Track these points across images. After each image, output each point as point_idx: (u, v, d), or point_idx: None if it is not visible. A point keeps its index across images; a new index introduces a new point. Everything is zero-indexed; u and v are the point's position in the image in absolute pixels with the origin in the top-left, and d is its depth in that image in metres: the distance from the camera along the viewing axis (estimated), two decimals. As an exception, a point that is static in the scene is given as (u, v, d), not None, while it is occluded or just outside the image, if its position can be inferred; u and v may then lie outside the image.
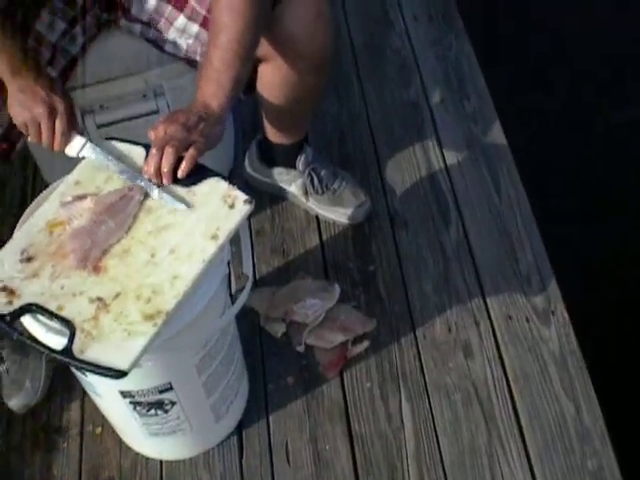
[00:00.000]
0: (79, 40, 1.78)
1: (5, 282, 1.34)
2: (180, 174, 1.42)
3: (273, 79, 1.77)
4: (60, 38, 1.74)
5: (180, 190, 1.43)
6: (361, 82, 2.53)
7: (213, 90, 1.50)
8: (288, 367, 1.90)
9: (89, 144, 1.50)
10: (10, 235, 2.13)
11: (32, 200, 2.22)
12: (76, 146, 1.51)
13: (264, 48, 1.67)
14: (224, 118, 1.52)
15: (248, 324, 1.90)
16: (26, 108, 1.49)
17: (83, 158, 1.50)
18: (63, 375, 1.88)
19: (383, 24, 2.72)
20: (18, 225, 1.46)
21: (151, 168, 1.41)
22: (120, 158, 1.49)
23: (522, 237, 2.11)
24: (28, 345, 1.79)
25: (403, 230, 2.15)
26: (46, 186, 2.12)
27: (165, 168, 1.41)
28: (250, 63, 1.59)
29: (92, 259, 1.35)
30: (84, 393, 1.82)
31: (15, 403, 1.85)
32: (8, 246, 1.41)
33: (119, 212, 1.41)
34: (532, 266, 2.05)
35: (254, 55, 1.60)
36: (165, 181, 1.42)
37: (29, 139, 1.53)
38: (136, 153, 1.49)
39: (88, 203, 1.43)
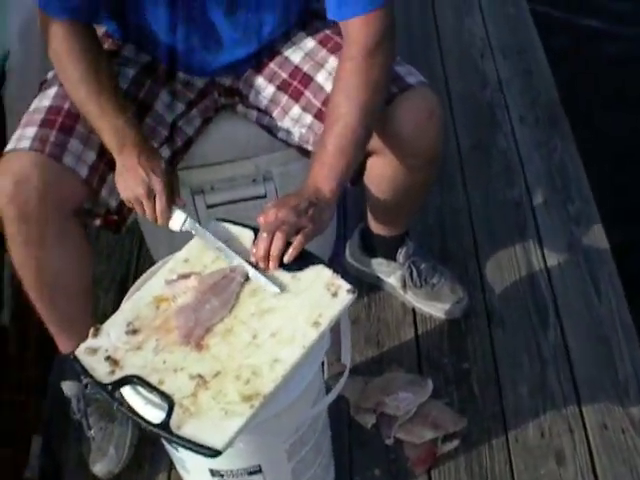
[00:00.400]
0: (195, 122, 1.84)
1: (110, 352, 1.38)
2: (286, 259, 1.44)
3: (381, 173, 1.80)
4: (177, 119, 1.81)
5: (285, 274, 1.45)
6: (465, 179, 2.55)
7: (325, 175, 1.53)
8: (376, 459, 1.88)
9: (189, 220, 1.54)
10: (113, 305, 2.22)
11: (137, 272, 2.33)
12: (178, 221, 1.55)
13: (375, 142, 1.69)
14: (334, 204, 1.55)
15: (337, 412, 1.89)
16: (129, 187, 1.56)
17: (189, 233, 1.54)
18: (149, 445, 1.91)
19: (490, 124, 2.75)
20: (126, 297, 1.50)
21: (260, 252, 1.44)
22: (228, 239, 1.52)
23: (622, 345, 2.06)
24: (114, 412, 1.85)
25: (500, 329, 2.12)
26: (151, 259, 2.23)
27: (274, 253, 1.43)
28: (362, 152, 1.63)
29: (195, 336, 1.37)
30: (171, 466, 1.84)
31: (99, 469, 1.87)
32: (115, 317, 1.44)
33: (222, 291, 1.43)
34: (631, 376, 2.00)
35: (366, 145, 1.64)
36: (272, 265, 1.44)
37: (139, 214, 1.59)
38: (244, 235, 1.52)
39: (192, 282, 1.46)
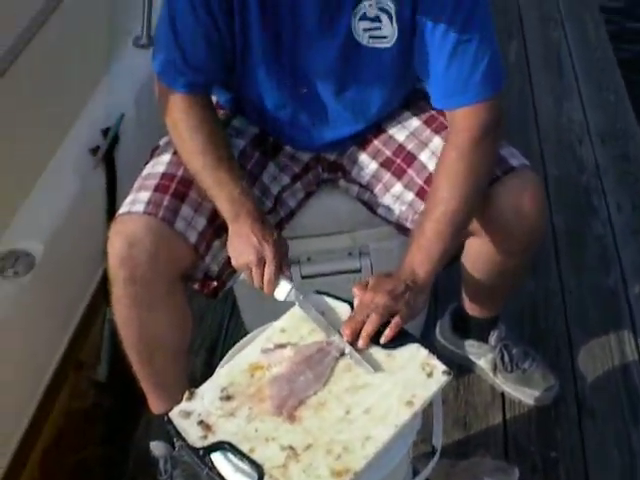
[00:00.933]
0: (298, 195, 1.88)
1: (203, 417, 1.38)
2: (382, 340, 1.45)
3: (479, 254, 1.79)
4: (282, 191, 1.84)
5: (380, 352, 1.45)
6: (559, 264, 2.52)
7: (422, 259, 1.54)
8: None
9: (294, 291, 1.55)
10: (203, 368, 2.24)
11: (227, 337, 2.35)
12: (283, 291, 1.56)
13: (475, 223, 1.70)
14: (429, 288, 1.56)
15: (421, 494, 1.86)
16: (240, 253, 1.58)
17: (291, 303, 1.55)
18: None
19: (586, 210, 2.74)
20: (222, 363, 1.51)
21: (351, 330, 1.45)
22: (325, 311, 1.53)
23: None
24: (201, 476, 1.84)
25: (590, 419, 2.07)
26: (242, 325, 2.25)
27: (365, 333, 1.44)
28: (460, 238, 1.64)
29: (288, 407, 1.37)
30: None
31: (183, 534, 1.86)
32: (210, 382, 1.45)
33: (317, 364, 1.43)
34: None
35: (464, 232, 1.64)
36: (362, 344, 1.45)
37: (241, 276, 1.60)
38: (341, 309, 1.53)
39: (288, 352, 1.46)
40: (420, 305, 1.53)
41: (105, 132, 2.43)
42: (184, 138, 1.66)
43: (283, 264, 1.58)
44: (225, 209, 1.62)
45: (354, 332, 1.45)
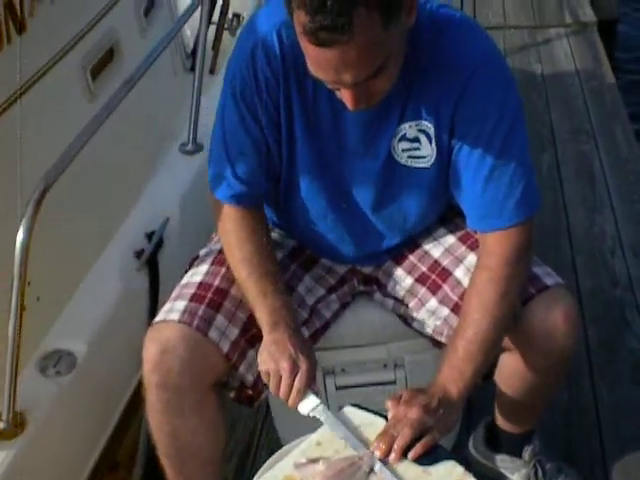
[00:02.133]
0: (333, 306, 1.91)
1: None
2: (411, 455, 1.46)
3: (513, 370, 1.81)
4: (317, 302, 1.88)
5: (415, 468, 1.45)
6: (593, 377, 2.52)
7: (454, 377, 1.57)
8: None
9: (322, 406, 1.57)
10: (234, 475, 2.24)
11: (259, 444, 2.36)
12: (309, 405, 1.57)
13: (510, 340, 1.72)
14: (461, 406, 1.58)
15: None
16: (273, 360, 1.60)
17: (314, 417, 1.56)
18: None
19: (619, 323, 2.74)
20: (258, 474, 1.53)
21: (383, 444, 1.46)
22: (360, 425, 1.54)
23: None
24: None
25: (625, 538, 2.05)
26: (275, 434, 2.26)
27: (397, 447, 1.46)
28: (491, 358, 1.67)
29: None
30: None
31: None
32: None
33: (349, 477, 1.44)
34: None
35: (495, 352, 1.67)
36: (394, 458, 1.46)
37: (270, 389, 1.62)
38: (376, 423, 1.54)
39: (320, 467, 1.47)
40: (452, 422, 1.55)
41: (150, 236, 2.49)
42: (233, 247, 1.72)
43: (313, 379, 1.61)
44: (265, 318, 1.66)
45: (387, 446, 1.46)
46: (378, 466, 1.45)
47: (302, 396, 1.58)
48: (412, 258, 1.88)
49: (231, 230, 1.72)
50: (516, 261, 1.64)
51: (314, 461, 1.49)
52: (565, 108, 4.26)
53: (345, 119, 1.64)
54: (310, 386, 1.59)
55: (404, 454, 1.46)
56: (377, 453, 1.47)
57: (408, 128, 1.64)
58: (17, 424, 1.88)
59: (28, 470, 1.87)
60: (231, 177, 1.70)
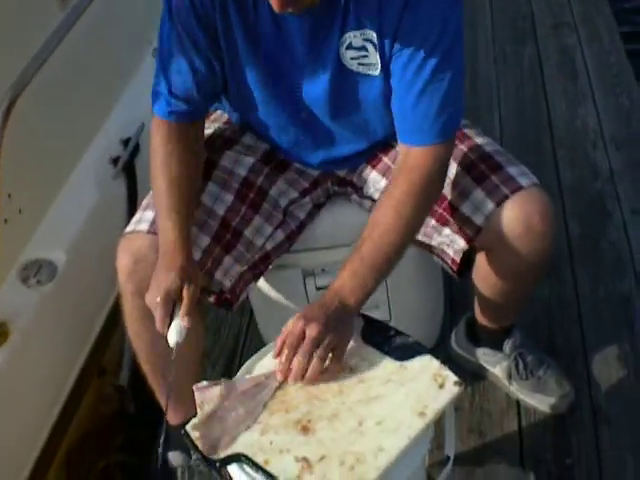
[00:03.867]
0: (307, 207, 1.91)
1: (218, 429, 1.42)
2: (305, 381, 1.46)
3: (489, 271, 1.81)
4: (290, 204, 1.87)
5: (391, 363, 1.48)
6: (574, 271, 2.53)
7: (354, 287, 1.54)
8: None
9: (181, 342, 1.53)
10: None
11: (244, 347, 2.38)
12: (172, 337, 1.52)
13: (485, 240, 1.73)
14: (356, 314, 1.55)
15: (437, 502, 1.89)
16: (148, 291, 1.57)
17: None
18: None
19: (600, 215, 2.74)
20: (237, 375, 1.54)
21: (296, 374, 1.46)
22: None
23: None
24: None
25: (605, 426, 2.08)
26: (259, 335, 2.28)
27: (310, 377, 1.46)
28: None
29: (223, 445, 1.39)
30: None
31: None
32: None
33: (250, 399, 1.45)
34: None
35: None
36: (304, 383, 1.46)
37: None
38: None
39: (219, 390, 1.47)
40: (349, 333, 1.52)
41: (126, 142, 2.47)
42: (157, 168, 1.68)
43: (183, 310, 1.53)
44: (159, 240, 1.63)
45: (298, 373, 1.46)
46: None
47: (164, 329, 1.53)
48: (386, 160, 1.86)
49: (158, 144, 1.69)
50: (437, 176, 1.64)
51: (215, 384, 1.48)
52: (546, 1, 4.18)
53: (289, 33, 1.61)
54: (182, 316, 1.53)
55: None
56: (279, 379, 1.47)
57: (353, 37, 1.60)
58: (0, 334, 1.89)
59: (13, 379, 1.90)
60: (167, 94, 1.68)
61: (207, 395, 1.47)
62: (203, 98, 1.71)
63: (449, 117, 1.61)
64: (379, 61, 1.62)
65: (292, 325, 1.48)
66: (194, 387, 1.48)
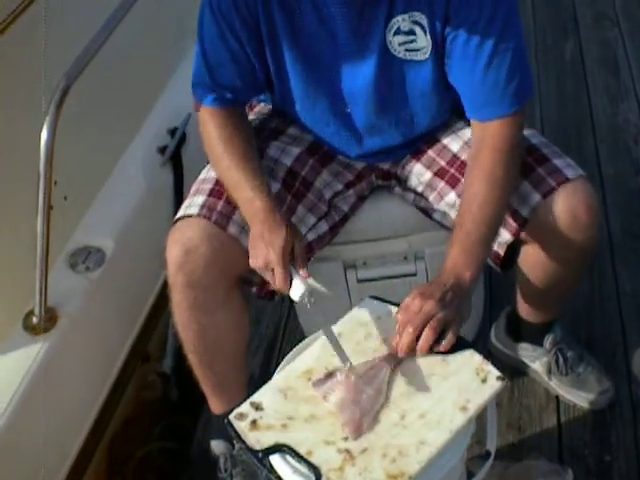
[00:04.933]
0: (351, 200, 1.92)
1: (262, 420, 1.43)
2: (418, 352, 1.48)
3: (535, 261, 1.82)
4: (334, 196, 1.89)
5: (434, 357, 1.48)
6: (615, 266, 2.53)
7: (467, 262, 1.57)
8: None
9: (308, 294, 1.54)
10: (260, 368, 2.30)
11: (284, 337, 2.41)
12: (297, 292, 1.55)
13: (532, 232, 1.73)
14: (473, 291, 1.58)
15: (475, 495, 1.90)
16: (253, 257, 1.60)
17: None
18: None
19: (642, 214, 2.73)
20: (280, 367, 1.56)
21: (404, 345, 1.47)
22: (380, 316, 1.57)
23: None
24: (258, 476, 1.91)
25: (645, 423, 2.09)
26: (300, 325, 2.30)
27: (422, 348, 1.47)
28: (496, 238, 1.68)
29: (366, 426, 1.40)
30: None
31: (241, 530, 1.93)
32: (268, 386, 1.50)
33: (373, 379, 1.46)
34: None
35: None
36: (419, 354, 1.48)
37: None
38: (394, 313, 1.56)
39: (338, 378, 1.47)
40: (467, 310, 1.55)
41: (173, 132, 2.51)
42: (216, 154, 1.72)
43: (298, 264, 1.57)
44: (242, 211, 1.66)
45: (408, 346, 1.47)
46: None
47: (287, 287, 1.55)
48: (430, 152, 1.87)
49: (212, 131, 1.71)
50: (518, 143, 1.66)
51: (330, 375, 1.49)
52: (588, -6, 4.15)
53: (333, 21, 1.62)
54: (296, 268, 1.56)
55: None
56: (400, 354, 1.48)
57: (401, 21, 1.61)
58: (49, 319, 1.94)
59: (61, 363, 1.94)
60: (211, 85, 1.70)
61: (327, 386, 1.47)
62: (246, 88, 1.74)
63: (518, 85, 1.63)
64: (430, 43, 1.63)
65: (409, 303, 1.50)
66: (311, 384, 1.47)
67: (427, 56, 1.66)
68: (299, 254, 1.58)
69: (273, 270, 1.56)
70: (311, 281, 1.58)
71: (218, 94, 1.71)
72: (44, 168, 1.84)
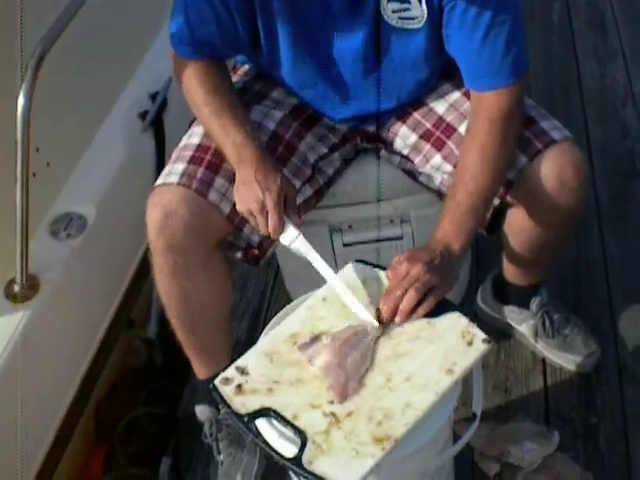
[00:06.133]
0: (336, 163, 1.90)
1: (247, 384, 1.42)
2: (415, 317, 1.48)
3: (521, 224, 1.81)
4: (319, 159, 1.86)
5: (420, 320, 1.48)
6: (602, 231, 2.52)
7: (456, 232, 1.57)
8: (497, 508, 1.88)
9: (301, 237, 1.56)
10: (247, 334, 2.29)
11: (270, 303, 2.40)
12: (289, 236, 1.57)
13: (517, 194, 1.72)
14: (461, 262, 1.59)
15: (461, 457, 1.86)
16: (244, 201, 1.59)
17: (296, 249, 1.57)
18: (275, 476, 1.93)
19: (629, 175, 2.72)
20: (264, 332, 1.55)
21: (389, 307, 1.47)
22: (365, 280, 1.56)
23: None
24: (244, 440, 1.91)
25: (631, 385, 2.09)
26: (286, 291, 2.29)
27: (404, 309, 1.47)
28: (490, 209, 1.67)
29: (351, 390, 1.39)
30: (295, 498, 1.88)
31: (225, 494, 1.93)
32: (253, 350, 1.50)
33: (358, 343, 1.45)
34: None
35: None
36: (399, 320, 1.48)
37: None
38: (382, 278, 1.56)
39: (324, 341, 1.47)
40: (454, 278, 1.55)
41: (153, 96, 2.47)
42: (192, 93, 1.69)
43: (290, 210, 1.58)
44: (229, 155, 1.64)
45: (392, 309, 1.47)
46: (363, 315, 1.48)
47: (280, 230, 1.56)
48: (416, 115, 1.85)
49: (194, 84, 1.69)
50: (514, 115, 1.64)
51: (316, 338, 1.48)
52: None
53: None
54: (289, 215, 1.58)
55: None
56: (385, 315, 1.48)
57: None
58: (31, 287, 1.92)
59: (44, 331, 1.93)
60: (189, 40, 1.67)
61: (313, 350, 1.46)
62: (226, 47, 1.71)
63: (516, 56, 1.61)
64: (424, 13, 1.61)
65: (396, 266, 1.51)
66: (297, 348, 1.47)
67: (420, 25, 1.63)
68: (292, 200, 1.59)
69: (267, 214, 1.56)
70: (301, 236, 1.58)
71: (196, 48, 1.68)
72: (22, 135, 1.81)
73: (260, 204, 1.56)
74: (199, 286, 1.74)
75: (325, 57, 1.70)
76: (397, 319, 1.48)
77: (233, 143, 1.63)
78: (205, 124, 1.71)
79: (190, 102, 1.72)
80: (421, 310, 1.47)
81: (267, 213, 1.56)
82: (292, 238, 1.56)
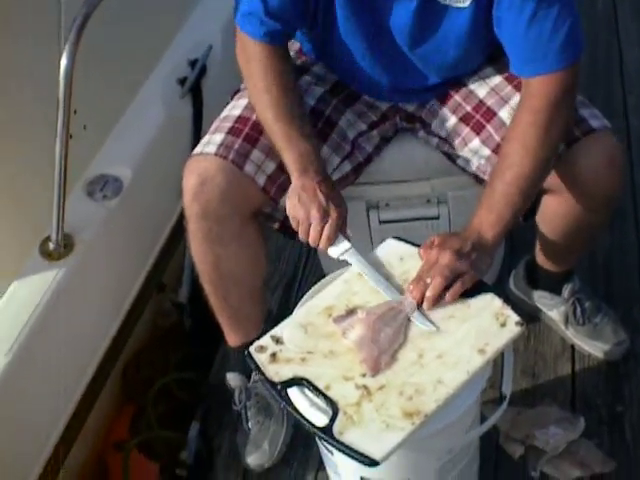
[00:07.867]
0: (374, 141, 1.89)
1: (281, 353, 1.44)
2: (442, 304, 1.47)
3: (555, 211, 1.80)
4: (358, 136, 1.86)
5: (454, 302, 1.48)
6: (637, 220, 2.50)
7: (492, 221, 1.55)
8: (520, 490, 1.88)
9: (352, 250, 1.57)
10: (279, 305, 2.30)
11: (304, 275, 2.40)
12: (340, 249, 1.58)
13: (553, 181, 1.70)
14: (495, 251, 1.57)
15: (487, 438, 1.87)
16: (304, 207, 1.58)
17: (344, 261, 1.58)
18: (301, 445, 1.98)
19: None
20: (300, 303, 1.56)
21: (417, 292, 1.47)
22: (402, 257, 1.57)
23: None
24: (273, 408, 1.92)
25: (659, 375, 2.08)
26: (319, 263, 2.30)
27: (430, 295, 1.46)
28: (529, 204, 1.64)
29: (384, 364, 1.40)
30: (318, 467, 1.92)
31: (252, 461, 1.95)
32: (289, 320, 1.51)
33: (392, 320, 1.46)
34: None
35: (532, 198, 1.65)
36: (426, 307, 1.47)
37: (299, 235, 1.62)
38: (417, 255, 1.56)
39: (359, 315, 1.48)
40: (485, 268, 1.53)
41: (193, 63, 2.48)
42: (259, 89, 1.68)
43: (343, 225, 1.59)
44: (293, 162, 1.62)
45: (420, 294, 1.47)
46: (415, 311, 1.47)
47: (333, 242, 1.57)
48: (457, 97, 1.84)
49: (258, 71, 1.68)
50: (560, 105, 1.59)
51: (351, 312, 1.49)
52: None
53: None
54: (341, 231, 1.58)
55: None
56: (412, 300, 1.47)
57: None
58: (66, 245, 1.94)
59: (77, 289, 1.95)
60: (263, 13, 1.64)
61: (347, 323, 1.47)
62: (296, 17, 1.69)
63: (564, 41, 1.56)
64: None
65: (427, 252, 1.51)
66: (332, 320, 1.48)
67: (467, 4, 1.61)
68: (345, 216, 1.60)
69: (314, 222, 1.56)
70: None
71: (269, 26, 1.65)
72: (63, 95, 1.82)
73: (322, 212, 1.56)
74: (232, 254, 1.75)
75: (376, 30, 1.69)
76: (424, 305, 1.47)
77: (298, 151, 1.62)
78: (269, 125, 1.67)
79: (250, 86, 1.71)
80: (448, 297, 1.47)
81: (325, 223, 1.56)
82: (342, 251, 1.57)
